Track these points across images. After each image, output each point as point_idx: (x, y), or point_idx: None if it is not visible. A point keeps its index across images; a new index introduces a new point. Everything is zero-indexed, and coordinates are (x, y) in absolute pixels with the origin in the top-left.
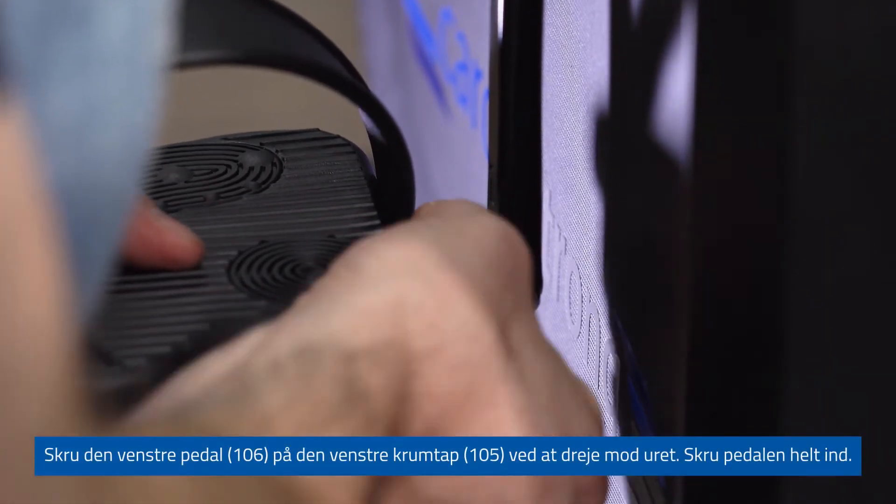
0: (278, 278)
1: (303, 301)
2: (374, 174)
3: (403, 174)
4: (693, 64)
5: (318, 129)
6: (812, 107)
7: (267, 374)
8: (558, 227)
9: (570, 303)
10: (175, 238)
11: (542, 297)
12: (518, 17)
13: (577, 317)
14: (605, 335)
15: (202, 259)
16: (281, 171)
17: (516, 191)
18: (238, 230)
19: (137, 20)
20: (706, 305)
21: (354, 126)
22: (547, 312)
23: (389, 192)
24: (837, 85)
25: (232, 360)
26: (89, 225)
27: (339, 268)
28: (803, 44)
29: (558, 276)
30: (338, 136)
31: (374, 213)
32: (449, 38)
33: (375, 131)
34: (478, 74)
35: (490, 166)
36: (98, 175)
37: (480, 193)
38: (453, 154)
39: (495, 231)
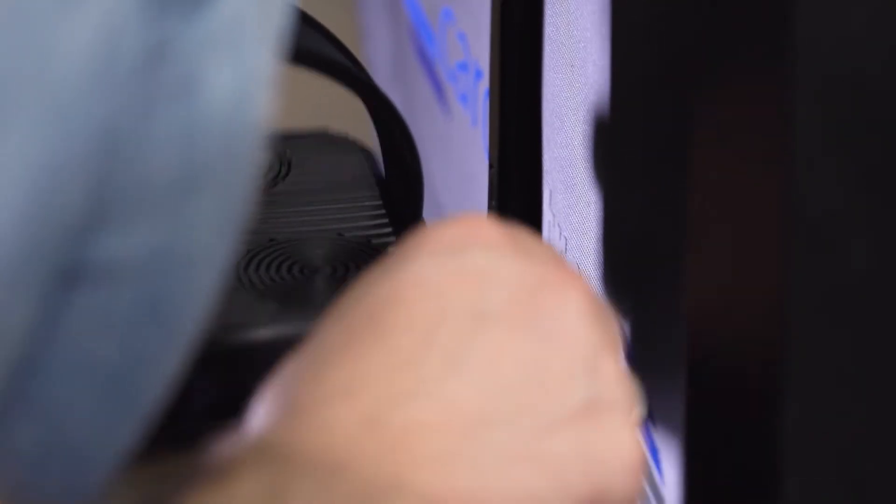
0: (286, 278)
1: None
2: (383, 174)
3: (411, 172)
4: (692, 64)
5: (326, 130)
6: (812, 107)
7: None
8: (558, 226)
9: None
10: None
11: None
12: (518, 16)
13: None
14: None
15: None
16: (289, 170)
17: (516, 190)
18: (247, 228)
19: (241, 85)
20: (706, 305)
21: (363, 128)
22: None
23: (397, 192)
24: (837, 85)
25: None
26: (180, 297)
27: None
28: (803, 44)
29: None
30: (346, 137)
31: (383, 211)
32: (449, 37)
33: (383, 127)
34: (478, 74)
35: (490, 166)
36: (194, 242)
37: (480, 193)
38: (453, 153)
39: (588, 318)
